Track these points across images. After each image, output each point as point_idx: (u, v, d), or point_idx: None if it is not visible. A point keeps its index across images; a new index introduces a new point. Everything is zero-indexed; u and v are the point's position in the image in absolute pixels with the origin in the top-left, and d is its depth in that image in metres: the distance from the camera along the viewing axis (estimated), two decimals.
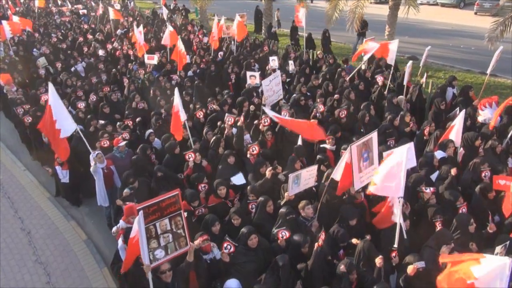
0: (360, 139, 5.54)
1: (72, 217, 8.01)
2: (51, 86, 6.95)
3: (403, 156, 4.62)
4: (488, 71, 9.82)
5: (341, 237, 4.96)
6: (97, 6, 23.29)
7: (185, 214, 4.55)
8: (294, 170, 6.14)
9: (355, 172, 5.40)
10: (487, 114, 8.01)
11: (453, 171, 5.98)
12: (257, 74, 10.34)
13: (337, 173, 5.49)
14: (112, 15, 17.57)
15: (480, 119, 8.05)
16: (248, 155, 6.79)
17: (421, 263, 4.36)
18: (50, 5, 25.07)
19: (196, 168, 6.61)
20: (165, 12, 19.47)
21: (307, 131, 6.96)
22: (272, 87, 8.43)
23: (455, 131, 6.79)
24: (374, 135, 5.65)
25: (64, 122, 6.86)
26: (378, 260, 4.47)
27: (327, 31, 15.45)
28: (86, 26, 17.83)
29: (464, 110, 7.03)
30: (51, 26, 18.59)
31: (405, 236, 4.92)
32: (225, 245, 4.80)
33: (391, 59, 9.98)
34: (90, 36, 16.33)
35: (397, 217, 4.92)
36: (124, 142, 7.33)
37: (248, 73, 10.39)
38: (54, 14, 21.75)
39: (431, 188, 5.54)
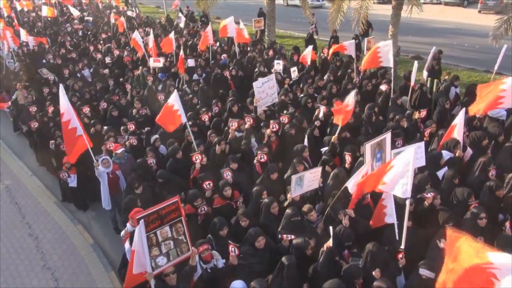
0: (374, 139, 5.52)
1: (79, 221, 8.07)
2: (61, 88, 7.03)
3: (411, 157, 4.57)
4: (495, 70, 9.78)
5: (347, 236, 4.95)
6: (105, 14, 23.34)
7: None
8: (296, 172, 6.14)
9: (368, 172, 5.40)
10: (497, 110, 7.96)
11: (456, 181, 5.95)
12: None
13: (351, 184, 5.41)
14: (125, 25, 17.50)
15: (490, 113, 7.96)
16: (255, 162, 6.77)
17: (430, 273, 4.31)
18: (57, 13, 25.04)
19: (203, 170, 6.64)
20: (182, 20, 19.55)
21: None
22: (265, 90, 8.45)
23: (457, 130, 6.73)
24: (388, 136, 5.65)
25: (75, 123, 6.88)
26: (376, 273, 4.45)
27: (357, 36, 15.17)
28: (104, 36, 17.55)
29: (464, 109, 6.95)
30: (63, 35, 18.21)
31: (397, 238, 4.90)
32: (230, 248, 4.81)
33: (387, 61, 9.91)
34: (100, 46, 16.20)
35: (392, 218, 4.94)
36: (122, 149, 7.38)
37: (260, 79, 10.40)
38: (64, 23, 21.41)
39: (431, 193, 5.47)
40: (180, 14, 20.73)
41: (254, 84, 8.56)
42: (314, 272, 4.73)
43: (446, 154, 6.59)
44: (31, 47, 15.73)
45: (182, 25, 19.18)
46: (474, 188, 5.92)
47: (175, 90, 7.49)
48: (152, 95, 10.37)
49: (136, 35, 13.13)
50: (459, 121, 6.72)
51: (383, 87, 9.47)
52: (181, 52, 11.64)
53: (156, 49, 13.19)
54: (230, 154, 7.06)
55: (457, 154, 6.53)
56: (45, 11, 20.82)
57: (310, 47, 11.92)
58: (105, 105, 9.87)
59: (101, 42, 16.70)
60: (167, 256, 4.34)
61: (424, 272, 4.31)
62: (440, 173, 6.34)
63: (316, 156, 7.13)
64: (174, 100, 7.27)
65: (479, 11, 24.72)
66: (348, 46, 11.16)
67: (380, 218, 5.21)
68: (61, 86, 7.12)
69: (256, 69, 11.72)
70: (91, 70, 13.08)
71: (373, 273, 4.45)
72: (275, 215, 5.54)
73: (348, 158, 6.47)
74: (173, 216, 4.36)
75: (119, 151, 7.32)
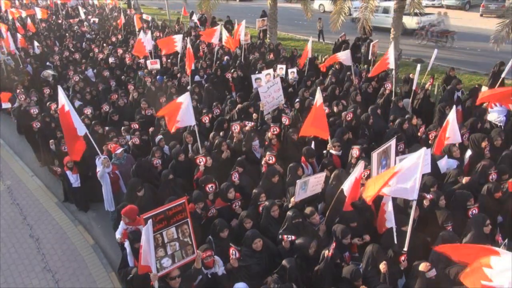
0: (380, 147, 5.56)
1: (80, 221, 8.07)
2: (60, 90, 7.06)
3: (420, 160, 4.53)
4: (503, 75, 9.76)
5: (342, 233, 4.92)
6: (113, 16, 23.30)
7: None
8: (297, 177, 6.15)
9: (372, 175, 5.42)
10: (498, 113, 7.93)
11: (465, 180, 5.96)
12: (262, 76, 10.41)
13: (346, 186, 5.44)
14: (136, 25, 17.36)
15: (490, 118, 7.95)
16: (263, 163, 6.74)
17: (432, 272, 4.32)
18: (59, 15, 24.92)
19: (206, 172, 6.64)
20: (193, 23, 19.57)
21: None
22: (270, 93, 8.48)
23: (450, 128, 6.58)
24: (393, 143, 5.68)
25: (77, 123, 6.98)
26: (382, 266, 4.45)
27: (359, 39, 15.01)
28: (114, 39, 17.39)
29: (454, 106, 6.92)
30: (70, 38, 18.01)
31: (395, 241, 4.90)
32: (231, 250, 4.81)
33: (391, 63, 9.91)
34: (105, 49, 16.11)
35: (391, 222, 4.95)
36: (121, 149, 7.39)
37: (253, 76, 10.44)
38: (72, 26, 21.16)
39: (430, 195, 5.46)
40: (195, 18, 20.62)
41: (260, 89, 8.58)
42: (315, 275, 4.72)
43: (452, 163, 6.60)
44: (36, 51, 15.73)
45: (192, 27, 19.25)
46: (473, 190, 5.92)
47: (188, 94, 7.31)
48: (151, 96, 10.39)
49: (142, 36, 13.09)
50: (451, 118, 6.58)
51: (388, 86, 9.49)
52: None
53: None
54: (231, 157, 7.07)
55: (454, 155, 6.55)
56: (39, 14, 20.65)
57: (310, 41, 11.96)
58: (108, 108, 9.87)
59: (104, 45, 16.65)
60: (172, 258, 4.33)
61: (429, 274, 4.31)
62: (440, 165, 6.41)
63: (320, 158, 7.14)
64: (183, 99, 7.23)
65: (481, 15, 24.76)
66: (342, 56, 11.01)
67: (383, 223, 5.21)
68: (59, 88, 7.12)
69: (257, 71, 11.75)
70: (95, 71, 13.11)
71: (380, 266, 4.45)
72: (276, 218, 5.54)
73: (356, 151, 6.49)
74: (180, 217, 4.34)
75: (118, 151, 7.33)
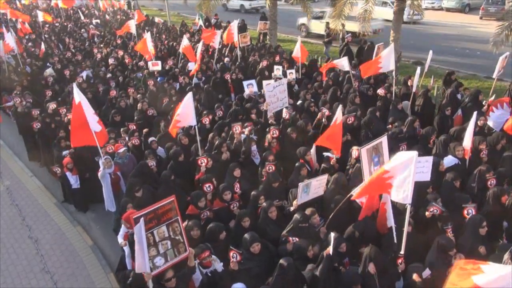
0: (369, 143, 5.52)
1: (78, 222, 8.07)
2: (75, 86, 7.15)
3: (412, 163, 4.45)
4: (494, 76, 9.81)
5: (336, 242, 4.82)
6: (116, 19, 23.26)
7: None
8: (300, 176, 6.15)
9: (365, 176, 5.39)
10: (499, 117, 7.92)
11: (457, 184, 5.96)
12: (253, 82, 10.45)
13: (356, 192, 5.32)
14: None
15: (489, 123, 7.94)
16: (263, 172, 6.69)
17: (427, 272, 4.33)
18: (63, 19, 24.85)
19: (207, 173, 6.63)
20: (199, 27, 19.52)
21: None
22: (275, 94, 8.46)
23: (467, 134, 6.67)
24: (384, 139, 5.63)
25: (92, 120, 7.00)
26: (371, 266, 4.44)
27: (366, 41, 15.02)
28: (119, 41, 17.28)
29: (476, 112, 6.85)
30: (73, 41, 17.93)
31: (395, 241, 4.90)
32: (231, 254, 4.80)
33: (389, 65, 9.90)
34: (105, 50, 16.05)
35: (391, 221, 4.95)
36: (124, 148, 7.39)
37: (245, 83, 10.47)
38: (79, 28, 21.15)
39: (438, 210, 5.33)
40: (201, 23, 20.63)
41: (266, 88, 8.58)
42: (313, 277, 4.72)
43: (451, 160, 6.59)
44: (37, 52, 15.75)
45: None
46: (471, 194, 5.90)
47: (190, 94, 7.30)
48: (153, 98, 10.39)
49: (148, 36, 13.17)
50: (470, 125, 6.63)
51: (381, 91, 9.47)
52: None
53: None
54: (231, 158, 7.09)
55: (457, 155, 6.54)
56: (41, 17, 20.56)
57: (299, 42, 11.95)
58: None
59: (102, 45, 16.64)
60: (165, 257, 4.33)
61: (425, 273, 4.31)
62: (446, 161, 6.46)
63: (320, 159, 7.14)
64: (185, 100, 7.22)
65: (481, 18, 24.83)
66: (340, 62, 10.96)
67: (385, 223, 5.20)
68: (74, 86, 7.20)
69: (257, 73, 11.76)
70: (93, 72, 13.12)
71: (368, 267, 4.45)
72: (273, 219, 5.54)
73: (355, 152, 6.50)
74: (170, 215, 4.35)
75: (121, 150, 7.32)
